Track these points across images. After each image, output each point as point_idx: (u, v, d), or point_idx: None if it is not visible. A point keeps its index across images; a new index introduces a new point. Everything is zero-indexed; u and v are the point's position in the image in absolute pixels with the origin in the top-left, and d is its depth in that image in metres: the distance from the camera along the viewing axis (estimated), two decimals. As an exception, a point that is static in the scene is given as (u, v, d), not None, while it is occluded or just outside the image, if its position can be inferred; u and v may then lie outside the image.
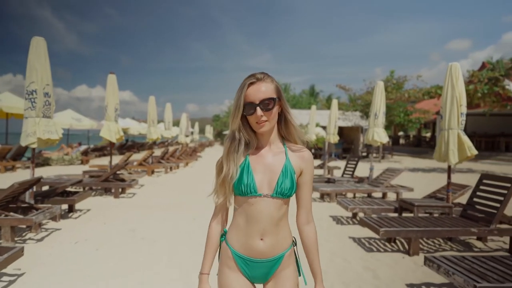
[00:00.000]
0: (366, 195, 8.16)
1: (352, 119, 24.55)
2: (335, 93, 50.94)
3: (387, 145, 30.58)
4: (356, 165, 9.37)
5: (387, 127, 30.40)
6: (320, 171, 13.08)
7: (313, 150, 23.41)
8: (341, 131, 27.88)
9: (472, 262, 3.20)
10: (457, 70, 5.45)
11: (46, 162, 15.21)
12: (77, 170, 13.22)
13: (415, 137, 33.00)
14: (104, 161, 17.73)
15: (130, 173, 10.33)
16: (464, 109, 5.40)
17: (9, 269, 3.62)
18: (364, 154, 24.40)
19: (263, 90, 1.40)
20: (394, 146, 29.86)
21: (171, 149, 18.69)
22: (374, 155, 24.15)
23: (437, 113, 25.13)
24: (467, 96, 14.71)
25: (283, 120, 1.49)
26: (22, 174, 12.01)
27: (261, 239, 1.43)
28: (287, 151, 1.48)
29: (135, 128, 29.15)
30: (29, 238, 4.81)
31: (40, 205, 5.08)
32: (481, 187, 4.92)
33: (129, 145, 26.67)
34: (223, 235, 1.55)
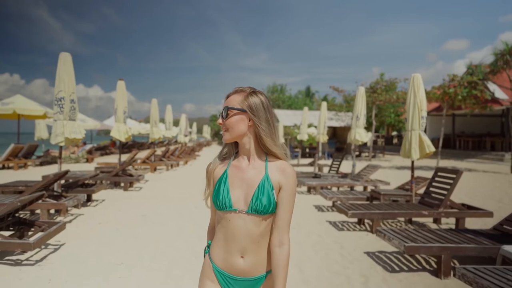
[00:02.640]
0: (349, 188, 9.14)
1: (345, 119, 25.55)
2: (331, 93, 51.99)
3: (380, 145, 31.70)
4: (340, 162, 10.37)
5: (379, 127, 31.50)
6: (311, 168, 14.08)
7: (307, 150, 24.41)
8: (335, 131, 28.95)
9: (410, 232, 4.20)
10: (418, 81, 6.43)
11: (54, 161, 16.12)
12: (83, 167, 14.15)
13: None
14: (106, 159, 18.67)
15: (136, 170, 11.29)
16: (424, 113, 6.37)
17: (52, 241, 4.58)
18: (357, 153, 25.39)
19: (229, 100, 1.43)
20: (386, 146, 30.87)
21: (171, 148, 19.64)
22: (366, 154, 25.18)
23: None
24: (449, 98, 15.80)
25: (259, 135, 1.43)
26: (33, 172, 12.94)
27: (242, 257, 1.40)
28: (267, 166, 1.43)
29: (135, 128, 30.09)
30: (59, 221, 5.76)
31: (67, 194, 6.04)
32: (436, 178, 5.91)
33: (129, 144, 27.63)
34: (207, 247, 1.55)
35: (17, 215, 4.34)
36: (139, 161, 13.86)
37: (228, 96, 1.45)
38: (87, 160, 17.71)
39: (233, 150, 1.50)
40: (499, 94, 20.02)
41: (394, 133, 39.85)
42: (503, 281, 2.76)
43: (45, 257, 4.10)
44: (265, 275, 1.43)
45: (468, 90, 14.86)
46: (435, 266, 3.99)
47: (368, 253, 4.49)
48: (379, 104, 22.79)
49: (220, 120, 1.44)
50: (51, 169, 12.92)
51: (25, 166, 14.11)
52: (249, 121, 1.42)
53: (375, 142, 30.74)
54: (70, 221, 5.74)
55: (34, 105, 14.03)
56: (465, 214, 5.44)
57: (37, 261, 3.96)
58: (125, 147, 25.73)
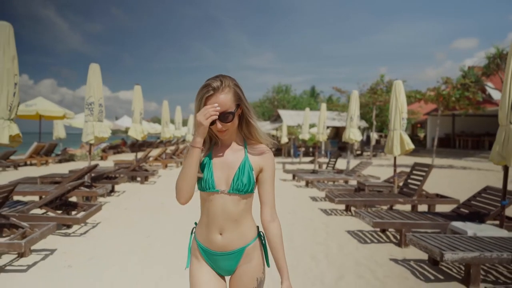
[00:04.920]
0: (344, 182, 10.07)
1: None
2: (335, 93, 52.54)
3: (383, 144, 32.46)
4: (336, 160, 11.33)
5: (381, 127, 32.23)
6: (311, 166, 15.03)
7: (310, 149, 25.30)
8: (337, 131, 29.79)
9: (381, 213, 5.14)
10: (400, 86, 7.35)
11: (71, 158, 17.28)
12: (100, 164, 15.24)
13: (409, 137, 34.67)
14: (119, 157, 19.81)
15: (150, 166, 12.34)
16: (405, 115, 7.29)
17: (89, 220, 5.60)
18: (359, 152, 26.23)
19: (221, 103, 1.40)
20: (388, 145, 31.60)
21: (181, 147, 20.70)
22: (368, 153, 26.01)
23: (427, 113, 26.99)
24: (443, 99, 16.65)
25: (244, 121, 1.53)
26: (54, 168, 14.05)
27: (220, 234, 1.51)
28: (246, 148, 1.53)
29: (145, 128, 31.17)
30: (97, 203, 6.79)
31: (95, 184, 7.07)
32: (413, 171, 6.84)
33: (139, 143, 28.77)
34: (193, 229, 1.67)
35: (63, 198, 5.36)
36: (151, 158, 14.92)
37: (209, 97, 1.42)
38: (102, 158, 18.85)
39: (214, 136, 1.54)
40: (496, 95, 20.78)
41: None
42: (437, 242, 3.71)
43: (87, 231, 5.13)
44: (244, 248, 1.54)
45: (461, 92, 15.70)
46: (399, 238, 4.93)
47: (348, 231, 5.45)
48: (380, 104, 23.60)
49: (219, 125, 1.44)
50: (70, 166, 14.01)
51: (46, 163, 15.25)
52: (240, 111, 1.49)
53: (378, 142, 31.54)
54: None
55: (54, 107, 15.17)
56: (435, 202, 6.36)
57: (82, 234, 4.99)
58: (135, 146, 26.86)
